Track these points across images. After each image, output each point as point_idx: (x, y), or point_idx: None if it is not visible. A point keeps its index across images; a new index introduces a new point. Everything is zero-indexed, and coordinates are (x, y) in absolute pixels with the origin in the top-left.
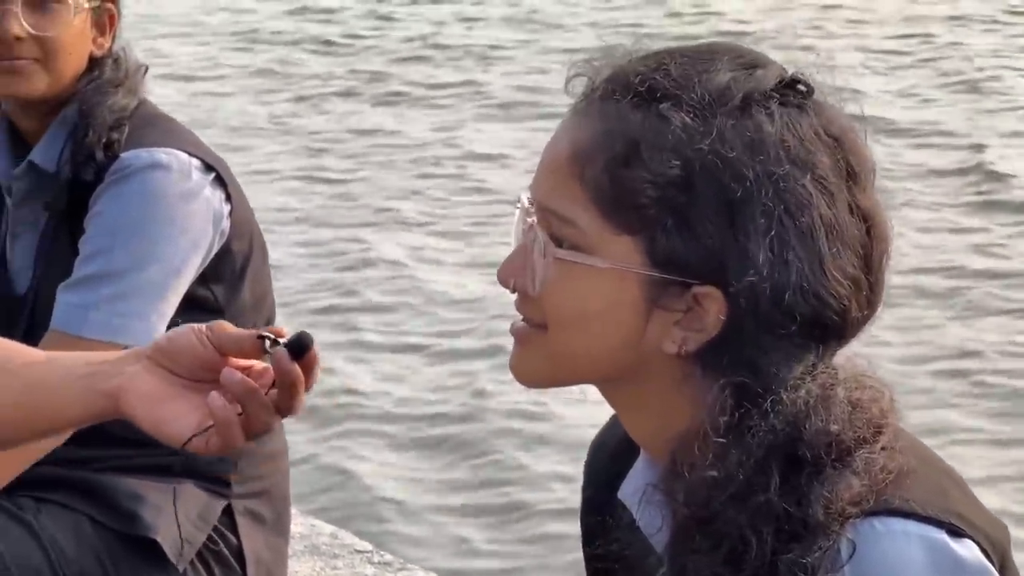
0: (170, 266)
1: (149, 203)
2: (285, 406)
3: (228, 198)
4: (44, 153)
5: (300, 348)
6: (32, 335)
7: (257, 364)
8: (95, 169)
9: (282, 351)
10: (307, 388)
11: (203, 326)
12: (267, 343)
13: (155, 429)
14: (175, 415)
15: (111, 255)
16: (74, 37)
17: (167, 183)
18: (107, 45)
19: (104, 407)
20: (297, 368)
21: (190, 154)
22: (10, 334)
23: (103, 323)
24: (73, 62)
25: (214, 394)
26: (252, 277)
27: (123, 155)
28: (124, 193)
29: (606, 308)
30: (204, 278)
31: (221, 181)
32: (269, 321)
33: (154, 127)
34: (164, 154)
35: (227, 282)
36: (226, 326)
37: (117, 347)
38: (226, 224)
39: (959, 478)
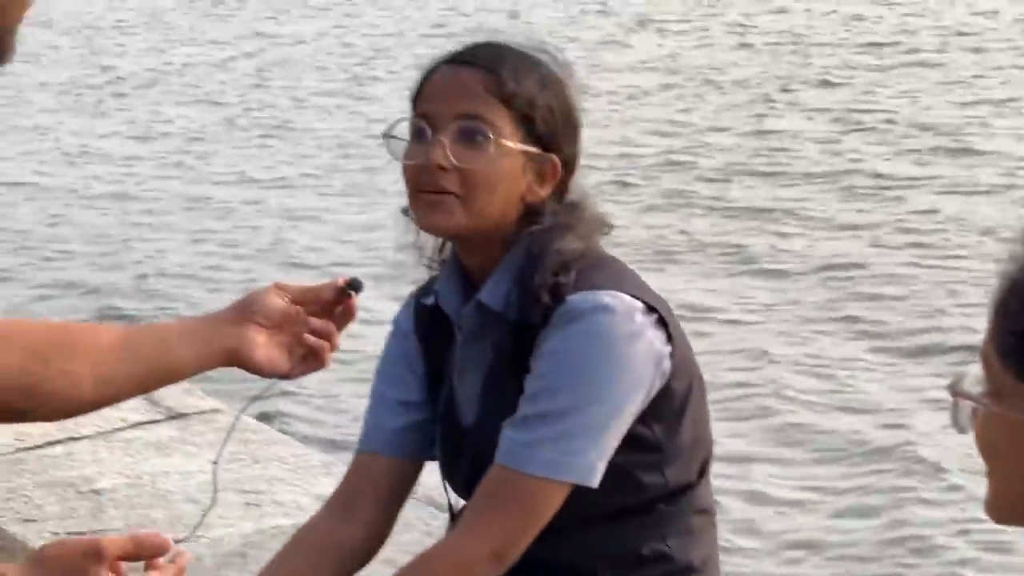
0: (613, 406)
1: (594, 345)
2: (345, 327)
3: (669, 339)
4: (491, 293)
5: (358, 289)
6: (477, 465)
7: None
8: (541, 311)
9: (354, 295)
10: None
11: (277, 286)
12: (348, 291)
13: (269, 370)
14: (276, 356)
15: (557, 395)
16: (498, 176)
17: (612, 325)
18: (543, 194)
19: (215, 362)
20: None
21: (633, 296)
22: (456, 462)
23: (549, 461)
24: (495, 201)
25: (307, 336)
26: (691, 416)
27: (569, 298)
28: (570, 335)
29: (1015, 453)
30: (644, 417)
31: (663, 322)
32: (708, 458)
33: (600, 270)
34: (609, 297)
35: (667, 421)
36: (292, 284)
37: (560, 484)
38: (667, 364)
39: None
